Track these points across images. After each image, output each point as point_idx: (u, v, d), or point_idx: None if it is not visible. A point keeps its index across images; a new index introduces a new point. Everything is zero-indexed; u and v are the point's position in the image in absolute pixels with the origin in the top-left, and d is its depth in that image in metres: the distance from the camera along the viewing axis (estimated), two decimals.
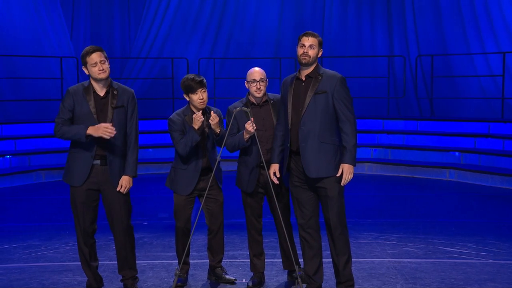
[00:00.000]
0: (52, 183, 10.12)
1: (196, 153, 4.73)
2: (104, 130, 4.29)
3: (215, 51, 14.43)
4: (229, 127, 4.65)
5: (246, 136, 4.59)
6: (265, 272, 5.00)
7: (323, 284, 4.72)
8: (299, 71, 4.47)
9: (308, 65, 4.39)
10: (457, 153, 10.81)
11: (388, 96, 13.11)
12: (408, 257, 5.70)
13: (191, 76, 4.72)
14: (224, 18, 14.60)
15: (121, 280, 4.71)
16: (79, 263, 4.66)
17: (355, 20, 14.23)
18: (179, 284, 4.81)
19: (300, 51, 4.39)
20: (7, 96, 12.40)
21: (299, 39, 4.42)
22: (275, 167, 4.56)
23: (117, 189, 4.46)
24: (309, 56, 4.36)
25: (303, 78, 4.43)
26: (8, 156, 10.40)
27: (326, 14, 14.40)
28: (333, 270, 4.66)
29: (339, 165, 4.35)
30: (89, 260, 4.57)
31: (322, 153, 4.31)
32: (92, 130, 4.31)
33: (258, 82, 4.69)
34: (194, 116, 4.57)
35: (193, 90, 4.68)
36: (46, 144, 11.16)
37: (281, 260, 5.04)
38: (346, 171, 4.30)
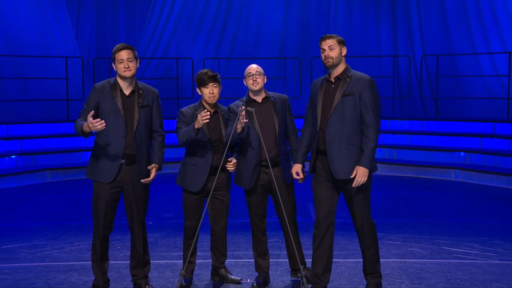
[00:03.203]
0: (58, 183, 10.14)
1: (205, 150, 4.73)
2: (93, 125, 4.21)
3: (220, 51, 14.44)
4: (234, 127, 4.64)
5: (239, 126, 4.56)
6: (269, 272, 5.00)
7: (329, 283, 4.73)
8: (329, 73, 4.51)
9: (334, 66, 4.44)
10: (462, 153, 10.78)
11: (393, 96, 13.09)
12: (413, 257, 5.69)
13: (205, 70, 4.78)
14: (229, 18, 14.62)
15: (133, 280, 4.72)
16: (85, 263, 4.68)
17: (360, 20, 14.22)
18: (184, 284, 4.81)
19: (322, 56, 4.45)
20: (13, 96, 12.45)
21: (319, 45, 4.49)
22: (298, 167, 4.61)
23: (149, 169, 4.49)
24: (332, 58, 4.41)
25: (333, 80, 4.48)
26: (14, 156, 10.44)
27: (331, 14, 14.39)
28: (338, 271, 4.68)
29: None
30: (100, 260, 4.59)
31: (349, 155, 4.35)
32: (86, 127, 4.28)
33: (254, 75, 4.73)
34: (199, 115, 4.55)
35: (204, 84, 4.71)
36: (51, 144, 11.19)
37: (285, 260, 5.04)
38: (360, 174, 4.31)
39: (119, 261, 5.51)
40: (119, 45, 4.50)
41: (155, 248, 5.99)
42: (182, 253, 4.97)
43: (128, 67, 4.43)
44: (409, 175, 10.75)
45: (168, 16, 14.58)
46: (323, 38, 4.45)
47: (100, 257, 4.59)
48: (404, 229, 6.78)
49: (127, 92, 4.50)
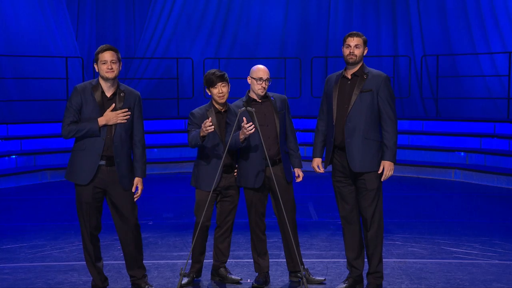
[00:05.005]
0: (58, 183, 10.15)
1: (217, 150, 4.76)
2: (118, 116, 4.37)
3: (220, 51, 14.44)
4: (234, 127, 4.65)
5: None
6: (269, 272, 5.00)
7: (330, 283, 4.73)
8: (345, 70, 4.60)
9: (354, 64, 4.53)
10: (462, 153, 10.78)
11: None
12: (413, 257, 5.69)
13: (212, 70, 4.80)
14: (229, 18, 14.61)
15: (131, 280, 4.71)
16: (85, 262, 4.67)
17: (360, 20, 14.21)
18: (184, 283, 4.81)
19: (346, 51, 4.53)
20: (13, 96, 12.45)
21: (344, 40, 4.56)
22: (318, 161, 4.75)
23: (133, 191, 4.51)
24: (356, 56, 4.51)
25: (349, 77, 4.56)
26: (14, 156, 10.44)
27: (332, 14, 14.39)
28: (338, 271, 4.67)
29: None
30: (94, 260, 4.58)
31: (366, 149, 4.48)
32: (104, 121, 4.38)
33: (264, 81, 4.75)
34: (202, 125, 4.55)
35: (213, 84, 4.73)
36: (51, 144, 11.19)
37: (285, 260, 5.03)
38: (387, 168, 4.51)
39: (119, 261, 5.50)
40: (103, 46, 4.48)
41: (155, 248, 6.00)
42: (181, 253, 4.97)
43: (111, 68, 4.40)
44: (409, 175, 10.75)
45: (168, 16, 14.58)
46: (351, 35, 4.55)
47: (94, 258, 4.58)
48: (404, 229, 6.78)
49: (108, 93, 4.48)
